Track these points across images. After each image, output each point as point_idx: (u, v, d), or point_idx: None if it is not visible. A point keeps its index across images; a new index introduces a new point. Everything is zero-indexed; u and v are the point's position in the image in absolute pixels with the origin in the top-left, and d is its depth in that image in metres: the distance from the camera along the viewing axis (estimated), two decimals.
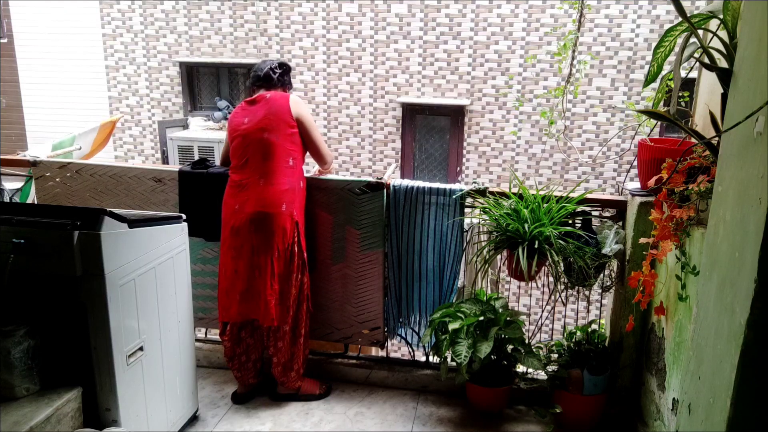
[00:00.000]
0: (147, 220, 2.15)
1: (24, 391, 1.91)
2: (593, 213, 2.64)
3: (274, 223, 2.50)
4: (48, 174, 2.96)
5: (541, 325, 2.97)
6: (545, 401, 2.65)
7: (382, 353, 3.06)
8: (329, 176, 2.81)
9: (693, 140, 2.10)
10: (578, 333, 2.70)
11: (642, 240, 2.33)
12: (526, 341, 2.67)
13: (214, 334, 3.27)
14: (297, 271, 2.59)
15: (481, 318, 2.56)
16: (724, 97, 1.70)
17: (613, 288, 2.64)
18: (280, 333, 2.61)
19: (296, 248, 2.58)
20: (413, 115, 7.56)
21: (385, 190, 2.72)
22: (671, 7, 6.21)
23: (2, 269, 1.86)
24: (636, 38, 6.78)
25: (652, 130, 2.80)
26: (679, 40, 1.92)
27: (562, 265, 2.47)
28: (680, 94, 1.98)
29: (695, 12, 1.94)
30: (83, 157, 5.01)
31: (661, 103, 2.31)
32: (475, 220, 2.80)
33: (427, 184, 2.72)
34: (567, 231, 2.49)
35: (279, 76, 2.70)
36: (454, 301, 2.81)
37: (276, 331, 2.62)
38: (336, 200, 2.74)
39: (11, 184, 3.70)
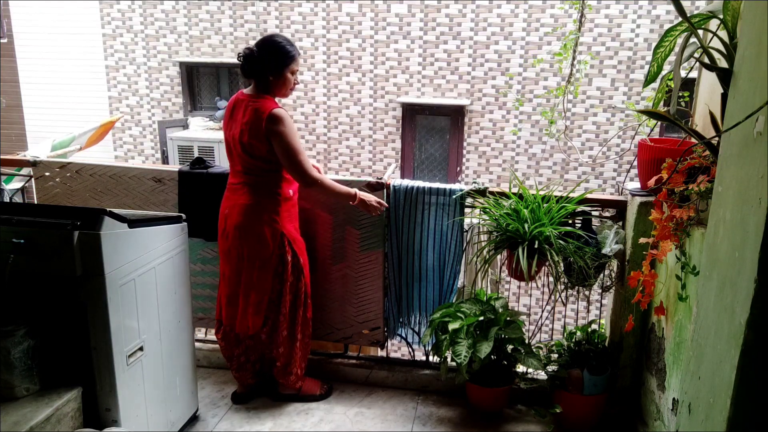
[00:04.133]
0: (147, 220, 2.14)
1: (24, 391, 1.91)
2: (593, 213, 2.64)
3: (254, 232, 2.46)
4: (48, 174, 2.96)
5: (541, 325, 2.97)
6: (545, 401, 2.65)
7: (382, 353, 3.06)
8: (329, 176, 2.80)
9: (693, 140, 2.10)
10: (578, 333, 2.70)
11: (642, 240, 2.33)
12: (526, 341, 2.67)
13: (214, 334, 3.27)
14: (291, 275, 2.56)
15: (481, 318, 2.56)
16: (724, 97, 1.70)
17: (613, 288, 2.64)
18: (280, 339, 2.60)
19: (289, 257, 2.52)
20: (413, 115, 7.56)
21: (385, 190, 2.72)
22: (671, 7, 6.21)
23: (2, 269, 1.86)
24: (636, 38, 6.78)
25: (652, 130, 2.81)
26: (679, 40, 1.92)
27: (562, 265, 2.47)
28: (680, 94, 1.98)
29: (695, 12, 1.94)
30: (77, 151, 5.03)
31: (661, 103, 2.31)
32: (475, 220, 2.80)
33: (427, 184, 2.72)
34: (567, 231, 2.49)
35: (249, 65, 2.40)
36: (454, 301, 2.81)
37: (275, 337, 2.60)
38: (336, 200, 2.74)
39: (11, 184, 3.70)
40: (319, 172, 2.53)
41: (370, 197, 2.59)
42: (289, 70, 2.43)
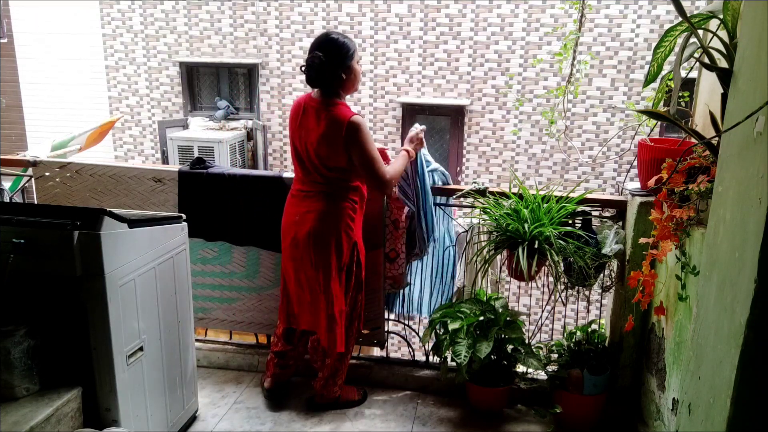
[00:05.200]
0: (147, 220, 2.14)
1: (24, 391, 1.91)
2: (593, 213, 2.64)
3: (332, 239, 2.40)
4: (48, 174, 2.96)
5: (541, 325, 2.97)
6: (545, 401, 2.65)
7: (382, 353, 3.06)
8: None
9: (693, 140, 2.10)
10: (578, 333, 2.70)
11: (642, 240, 2.33)
12: (526, 341, 2.67)
13: (214, 334, 3.27)
14: (353, 289, 2.53)
15: (481, 318, 2.56)
16: (724, 97, 1.70)
17: (613, 288, 2.64)
18: (329, 350, 2.57)
19: (354, 268, 2.50)
20: (413, 115, 7.56)
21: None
22: (671, 7, 6.21)
23: (2, 269, 1.86)
24: (636, 38, 6.78)
25: (652, 130, 2.80)
26: (679, 40, 1.92)
27: (562, 265, 2.47)
28: (680, 94, 1.98)
29: (695, 12, 1.94)
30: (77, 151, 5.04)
31: (661, 103, 2.31)
32: (475, 220, 2.80)
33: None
34: (567, 231, 2.49)
35: (319, 73, 2.29)
36: (454, 300, 2.81)
37: (326, 348, 2.58)
38: None
39: (11, 183, 3.70)
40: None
41: (414, 140, 2.54)
42: (355, 61, 2.35)
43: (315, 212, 2.39)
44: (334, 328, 2.47)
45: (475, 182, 2.76)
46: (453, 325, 2.51)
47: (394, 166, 2.43)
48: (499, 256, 2.70)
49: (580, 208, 2.59)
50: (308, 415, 2.67)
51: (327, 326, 2.48)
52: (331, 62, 2.28)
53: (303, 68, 2.33)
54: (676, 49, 1.90)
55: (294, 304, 2.57)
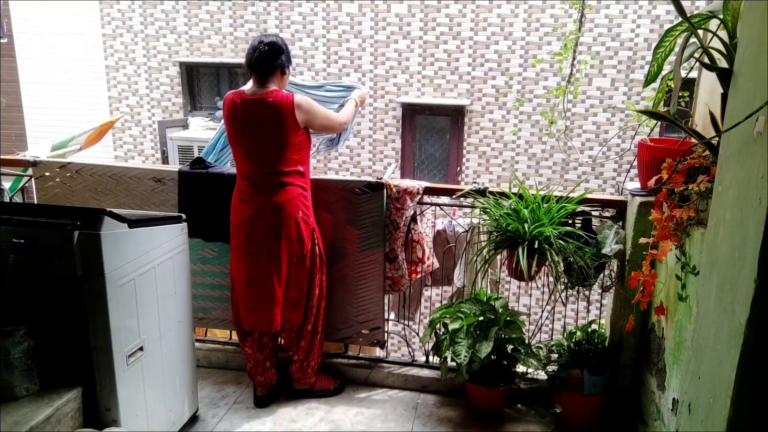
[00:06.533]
0: (147, 220, 2.14)
1: (24, 391, 1.91)
2: (593, 213, 2.64)
3: (292, 230, 2.49)
4: (48, 174, 2.96)
5: (541, 325, 2.97)
6: (545, 401, 2.65)
7: (382, 353, 3.06)
8: (329, 176, 2.80)
9: (693, 140, 2.10)
10: (578, 333, 2.70)
11: (642, 240, 2.33)
12: (526, 341, 2.67)
13: (214, 334, 3.26)
14: (319, 272, 2.62)
15: (481, 318, 2.56)
16: (724, 97, 1.70)
17: (613, 288, 2.64)
18: (304, 332, 2.65)
19: (317, 250, 2.60)
20: (413, 115, 7.56)
21: (385, 190, 2.72)
22: (671, 7, 6.21)
23: (2, 269, 1.86)
24: (636, 38, 6.78)
25: (652, 130, 2.80)
26: (679, 40, 1.92)
27: (562, 265, 2.47)
28: (680, 94, 1.98)
29: (695, 12, 1.94)
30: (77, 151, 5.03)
31: (661, 103, 2.31)
32: (475, 220, 2.80)
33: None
34: (567, 231, 2.49)
35: (276, 57, 2.45)
36: (454, 300, 2.81)
37: (300, 330, 2.65)
38: (336, 200, 2.74)
39: (12, 184, 3.70)
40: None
41: (363, 97, 2.84)
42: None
43: (271, 206, 2.46)
44: (287, 307, 2.57)
45: (475, 182, 2.76)
46: (453, 325, 2.51)
47: (346, 112, 2.71)
48: (499, 256, 2.70)
49: (580, 208, 2.59)
50: (308, 415, 2.67)
51: (281, 309, 2.55)
52: (284, 54, 2.49)
53: (262, 46, 2.42)
54: (676, 49, 1.90)
55: (245, 304, 2.57)
